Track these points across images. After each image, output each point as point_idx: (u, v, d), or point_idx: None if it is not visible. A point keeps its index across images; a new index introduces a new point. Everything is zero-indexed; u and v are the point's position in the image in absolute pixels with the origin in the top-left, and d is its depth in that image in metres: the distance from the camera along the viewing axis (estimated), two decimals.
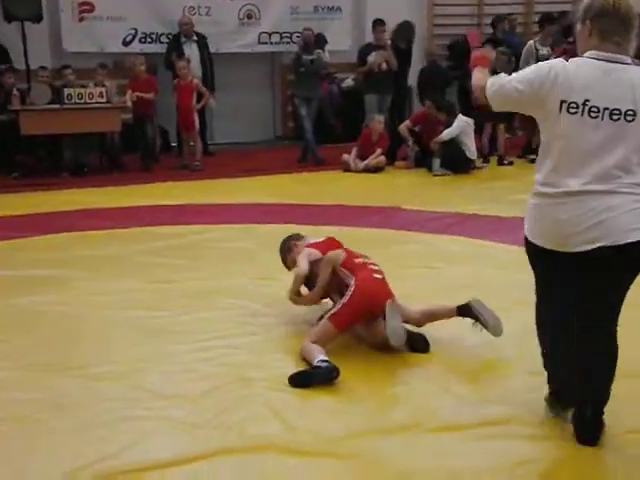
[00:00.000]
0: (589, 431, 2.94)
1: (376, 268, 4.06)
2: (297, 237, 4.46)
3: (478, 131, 9.88)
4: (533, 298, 4.56)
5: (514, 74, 2.94)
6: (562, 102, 2.77)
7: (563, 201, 2.80)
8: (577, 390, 2.96)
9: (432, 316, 4.02)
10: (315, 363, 3.55)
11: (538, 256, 2.98)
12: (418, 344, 3.89)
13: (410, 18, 11.34)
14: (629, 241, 2.70)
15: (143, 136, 9.77)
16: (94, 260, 5.62)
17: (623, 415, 3.11)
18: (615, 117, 2.73)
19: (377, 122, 9.65)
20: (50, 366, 3.76)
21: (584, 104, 2.74)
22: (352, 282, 3.88)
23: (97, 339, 4.16)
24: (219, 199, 7.78)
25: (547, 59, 10.63)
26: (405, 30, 10.74)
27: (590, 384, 2.92)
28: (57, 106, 9.10)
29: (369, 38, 10.71)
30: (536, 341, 3.71)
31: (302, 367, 3.63)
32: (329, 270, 4.03)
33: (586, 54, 2.84)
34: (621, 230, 2.71)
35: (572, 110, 2.76)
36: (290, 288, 4.19)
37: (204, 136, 10.71)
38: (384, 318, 3.72)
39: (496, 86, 2.96)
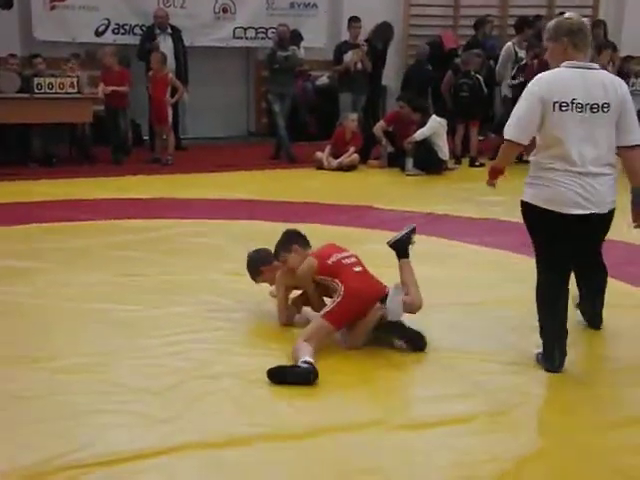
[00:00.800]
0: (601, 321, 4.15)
1: (351, 261, 4.03)
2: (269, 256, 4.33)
3: (451, 132, 9.92)
4: (503, 295, 4.66)
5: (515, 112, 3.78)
6: (554, 103, 3.58)
7: (569, 177, 3.61)
8: (590, 308, 4.16)
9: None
10: (298, 362, 3.52)
11: (544, 220, 3.75)
12: (415, 341, 3.86)
13: (386, 17, 11.39)
14: (608, 210, 3.68)
15: (115, 129, 9.64)
16: (62, 252, 5.55)
17: None
18: (594, 110, 3.57)
19: (351, 121, 9.66)
20: (14, 358, 3.70)
21: (572, 102, 3.57)
22: (339, 286, 3.86)
23: (64, 332, 4.10)
24: (191, 194, 7.72)
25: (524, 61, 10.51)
26: (383, 31, 10.79)
27: (602, 295, 4.11)
28: (26, 95, 8.97)
29: (345, 36, 10.73)
30: (505, 337, 3.75)
31: (276, 363, 3.61)
32: (309, 281, 4.04)
33: (564, 64, 3.69)
34: (605, 202, 3.63)
35: (564, 108, 3.57)
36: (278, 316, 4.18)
37: (177, 130, 10.63)
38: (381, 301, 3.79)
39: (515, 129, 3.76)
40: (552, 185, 3.67)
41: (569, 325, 3.74)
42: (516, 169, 9.46)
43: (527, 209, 3.90)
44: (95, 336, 4.01)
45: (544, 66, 9.07)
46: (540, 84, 3.70)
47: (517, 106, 3.78)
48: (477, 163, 9.92)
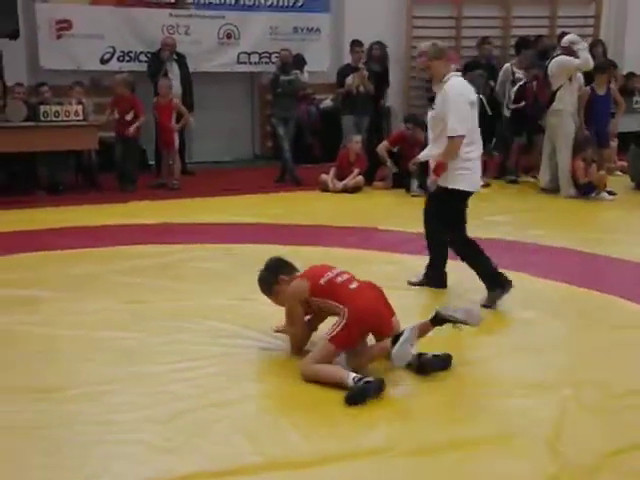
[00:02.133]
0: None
1: (344, 278, 3.92)
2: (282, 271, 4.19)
3: None
4: (509, 318, 4.64)
5: (455, 113, 4.82)
6: (470, 102, 4.92)
7: (475, 162, 5.04)
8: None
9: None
10: (355, 381, 3.53)
11: (466, 198, 5.12)
12: (432, 365, 3.84)
13: (389, 40, 11.46)
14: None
15: (125, 158, 9.64)
16: (68, 280, 5.55)
17: None
18: (474, 106, 4.97)
19: (355, 143, 9.69)
20: (20, 388, 3.69)
21: (472, 101, 4.95)
22: (341, 308, 3.79)
23: (69, 361, 4.10)
24: (196, 218, 7.73)
25: (522, 81, 10.63)
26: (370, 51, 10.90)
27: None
28: (33, 123, 9.03)
29: (347, 59, 10.79)
30: (510, 364, 3.74)
31: (279, 389, 3.59)
32: (294, 304, 3.96)
33: (453, 73, 4.98)
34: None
35: (472, 105, 4.94)
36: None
37: (183, 155, 10.69)
38: (392, 341, 3.70)
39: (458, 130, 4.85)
40: (473, 170, 5.01)
41: None
42: (525, 191, 9.48)
43: (457, 194, 5.03)
44: (100, 365, 4.00)
45: (543, 87, 9.16)
46: (462, 89, 4.95)
47: (456, 108, 4.82)
48: (482, 183, 9.89)
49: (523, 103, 9.83)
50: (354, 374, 3.58)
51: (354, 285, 3.90)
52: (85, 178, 9.83)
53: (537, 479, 2.87)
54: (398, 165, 9.73)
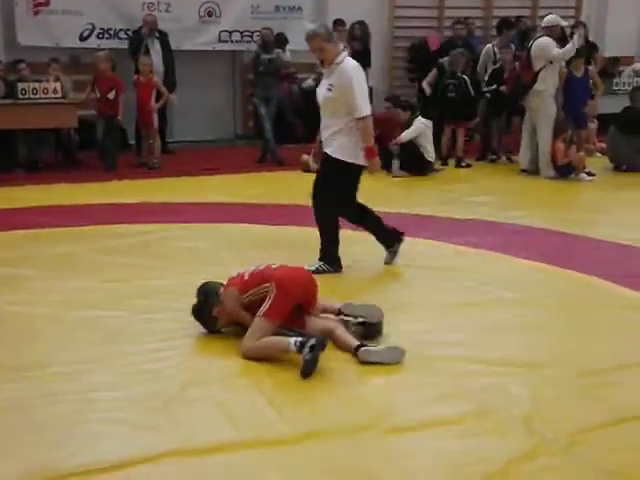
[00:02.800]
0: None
1: (264, 265, 4.08)
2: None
3: (437, 133, 9.94)
4: (487, 296, 4.68)
5: (360, 93, 5.01)
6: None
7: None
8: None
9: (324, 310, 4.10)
10: (297, 345, 3.59)
11: (359, 171, 5.26)
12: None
13: (371, 19, 11.41)
14: None
15: (106, 136, 9.57)
16: (47, 258, 5.53)
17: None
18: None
19: None
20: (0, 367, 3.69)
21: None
22: (268, 285, 3.88)
23: (49, 339, 4.09)
24: (177, 198, 7.71)
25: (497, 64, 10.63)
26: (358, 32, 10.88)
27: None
28: (10, 101, 8.93)
29: None
30: (488, 344, 3.79)
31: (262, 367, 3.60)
32: (239, 311, 3.99)
33: (344, 54, 5.11)
34: None
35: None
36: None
37: (164, 134, 10.62)
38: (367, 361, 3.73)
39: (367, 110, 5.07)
40: (359, 145, 5.13)
41: None
42: (505, 172, 9.53)
43: (358, 169, 5.22)
44: (82, 343, 4.00)
45: (526, 67, 9.17)
46: (359, 69, 5.11)
47: (361, 89, 5.01)
48: (463, 164, 9.96)
49: (494, 86, 9.83)
50: (294, 339, 3.62)
51: (275, 265, 4.06)
52: (65, 156, 9.74)
53: (513, 455, 2.91)
54: (379, 146, 9.71)
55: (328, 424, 3.15)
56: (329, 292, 4.38)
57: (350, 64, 5.08)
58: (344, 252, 5.32)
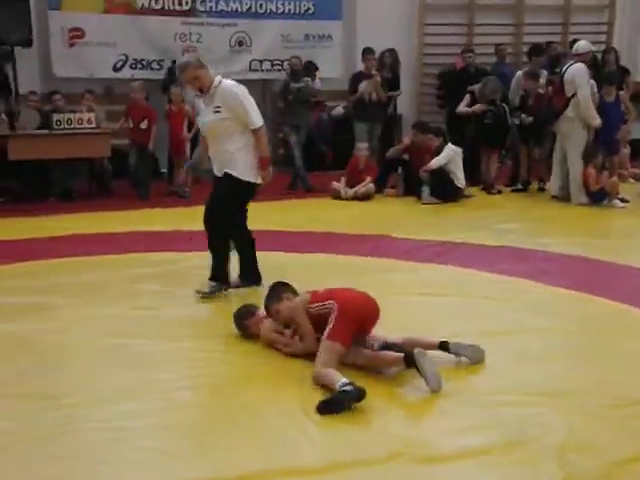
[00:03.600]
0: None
1: (341, 287, 4.15)
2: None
3: (470, 159, 9.93)
4: (520, 325, 4.62)
5: (251, 107, 5.26)
6: None
7: None
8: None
9: (414, 344, 3.94)
10: (339, 388, 3.53)
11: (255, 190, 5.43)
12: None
13: (400, 47, 11.47)
14: None
15: (138, 165, 9.69)
16: (78, 287, 5.58)
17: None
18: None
19: (363, 150, 9.70)
20: (32, 395, 3.72)
21: None
22: (331, 304, 3.92)
23: (79, 367, 4.12)
24: None
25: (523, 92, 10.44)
26: (383, 58, 10.94)
27: None
28: (46, 131, 9.10)
29: (359, 66, 10.81)
30: (520, 372, 3.73)
31: (293, 396, 3.60)
32: (302, 313, 4.06)
33: (218, 76, 5.26)
34: None
35: None
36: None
37: None
38: (416, 366, 3.67)
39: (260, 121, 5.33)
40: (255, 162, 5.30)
41: None
42: (536, 199, 9.45)
43: (249, 186, 5.35)
44: (109, 371, 4.02)
45: (559, 93, 9.09)
46: (242, 85, 5.32)
47: (248, 101, 5.24)
48: (494, 190, 9.91)
49: (523, 116, 9.74)
50: (343, 380, 3.57)
51: (344, 287, 4.14)
52: (98, 185, 9.88)
53: None
54: (409, 173, 9.73)
55: (359, 453, 3.12)
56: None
57: (229, 82, 5.27)
58: (383, 279, 5.29)
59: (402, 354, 3.78)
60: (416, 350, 3.71)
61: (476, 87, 10.32)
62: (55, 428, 3.36)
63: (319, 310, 4.00)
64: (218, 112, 5.21)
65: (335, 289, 4.10)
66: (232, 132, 5.23)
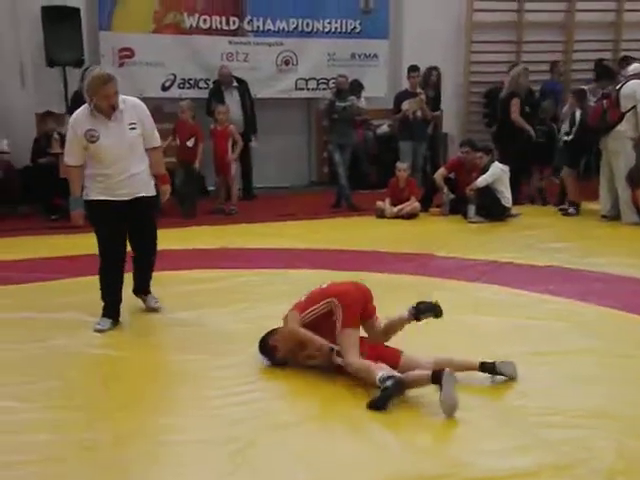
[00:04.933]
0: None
1: (315, 288, 4.33)
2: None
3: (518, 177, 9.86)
4: (568, 346, 4.55)
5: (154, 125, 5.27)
6: None
7: None
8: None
9: (451, 365, 3.90)
10: (379, 383, 3.68)
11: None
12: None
13: (446, 65, 11.45)
14: None
15: (185, 184, 9.78)
16: (128, 303, 5.63)
17: None
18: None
19: (402, 170, 9.68)
20: (78, 408, 3.78)
21: None
22: (329, 301, 4.11)
23: (125, 382, 4.17)
24: (254, 244, 7.81)
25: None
26: (428, 76, 10.95)
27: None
28: None
29: (405, 85, 10.81)
30: (569, 394, 3.66)
31: (335, 412, 3.62)
32: (299, 330, 4.18)
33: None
34: None
35: None
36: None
37: (250, 180, 10.98)
38: (439, 383, 3.63)
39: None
40: None
41: None
42: (585, 218, 9.24)
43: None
44: (157, 386, 4.08)
45: (614, 107, 8.90)
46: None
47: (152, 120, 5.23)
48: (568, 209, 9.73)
49: (570, 137, 9.64)
50: (381, 374, 3.71)
51: (325, 284, 4.31)
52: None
53: None
54: (455, 191, 9.68)
55: (406, 472, 3.11)
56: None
57: (133, 98, 5.22)
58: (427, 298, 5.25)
59: (429, 372, 3.74)
60: (447, 370, 3.66)
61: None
62: (101, 442, 3.40)
63: (316, 313, 4.15)
64: (134, 129, 5.06)
65: (325, 288, 4.24)
66: (141, 150, 5.15)
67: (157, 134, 5.26)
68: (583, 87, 10.10)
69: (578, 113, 9.59)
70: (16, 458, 3.25)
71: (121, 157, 5.02)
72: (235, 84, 10.76)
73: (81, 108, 5.07)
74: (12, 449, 3.34)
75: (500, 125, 10.46)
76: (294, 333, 4.17)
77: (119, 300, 5.22)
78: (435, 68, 11.24)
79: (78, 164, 5.07)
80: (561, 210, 9.69)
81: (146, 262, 5.47)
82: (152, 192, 5.26)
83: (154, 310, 5.41)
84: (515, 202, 9.60)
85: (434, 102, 11.08)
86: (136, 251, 5.38)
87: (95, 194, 5.06)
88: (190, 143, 9.64)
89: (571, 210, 9.54)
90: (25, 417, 3.69)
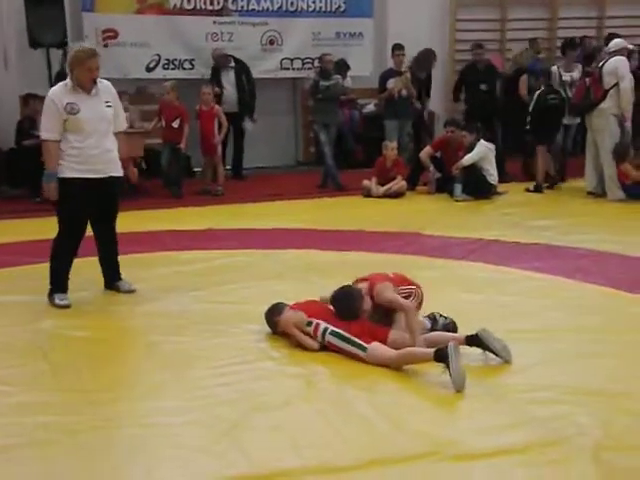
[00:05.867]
0: None
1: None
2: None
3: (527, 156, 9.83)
4: (555, 323, 4.57)
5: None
6: None
7: None
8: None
9: (436, 344, 3.92)
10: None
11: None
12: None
13: (431, 43, 11.39)
14: None
15: (171, 164, 9.73)
16: None
17: None
18: None
19: (390, 149, 9.66)
20: (65, 391, 3.78)
21: None
22: (412, 288, 4.50)
23: (115, 364, 4.18)
24: (240, 224, 7.79)
25: (570, 85, 10.43)
26: (425, 60, 10.87)
27: None
28: None
29: (391, 63, 10.77)
30: (556, 371, 3.68)
31: (320, 392, 3.64)
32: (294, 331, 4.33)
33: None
34: None
35: None
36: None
37: (240, 161, 10.96)
38: (446, 360, 3.66)
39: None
40: None
41: None
42: (571, 195, 9.30)
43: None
44: (145, 368, 4.08)
45: (597, 84, 8.92)
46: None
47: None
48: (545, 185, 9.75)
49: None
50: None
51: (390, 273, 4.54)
52: (131, 185, 9.92)
53: None
54: (441, 170, 9.69)
55: (392, 451, 3.12)
56: None
57: (104, 80, 5.28)
58: (415, 276, 5.27)
59: (432, 350, 3.77)
60: (451, 343, 3.69)
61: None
62: (88, 424, 3.39)
63: (404, 293, 4.40)
64: (110, 106, 5.21)
65: (402, 275, 4.54)
66: (112, 130, 5.26)
67: (125, 118, 5.52)
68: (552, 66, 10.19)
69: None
70: (4, 442, 3.25)
71: (98, 131, 5.11)
72: (232, 64, 10.69)
73: (59, 84, 5.21)
74: (0, 433, 3.33)
75: (506, 102, 10.51)
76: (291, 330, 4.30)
77: (68, 276, 5.31)
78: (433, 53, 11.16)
79: (56, 138, 5.09)
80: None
81: (113, 247, 5.57)
82: (121, 173, 5.36)
83: (131, 292, 5.41)
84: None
85: (424, 83, 11.09)
86: (101, 235, 5.50)
87: (69, 171, 5.11)
88: (175, 124, 9.57)
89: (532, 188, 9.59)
90: (12, 400, 3.68)
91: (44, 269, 5.38)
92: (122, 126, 5.44)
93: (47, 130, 5.11)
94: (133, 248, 6.69)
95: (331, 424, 3.36)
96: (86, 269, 5.65)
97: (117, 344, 4.47)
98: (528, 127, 9.73)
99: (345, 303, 4.26)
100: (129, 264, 6.19)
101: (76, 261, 5.40)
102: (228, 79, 10.62)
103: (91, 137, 5.09)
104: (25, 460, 3.11)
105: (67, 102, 5.03)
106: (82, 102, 5.05)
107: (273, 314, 4.47)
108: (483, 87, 10.96)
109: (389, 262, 6.08)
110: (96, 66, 5.07)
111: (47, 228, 7.67)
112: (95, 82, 5.11)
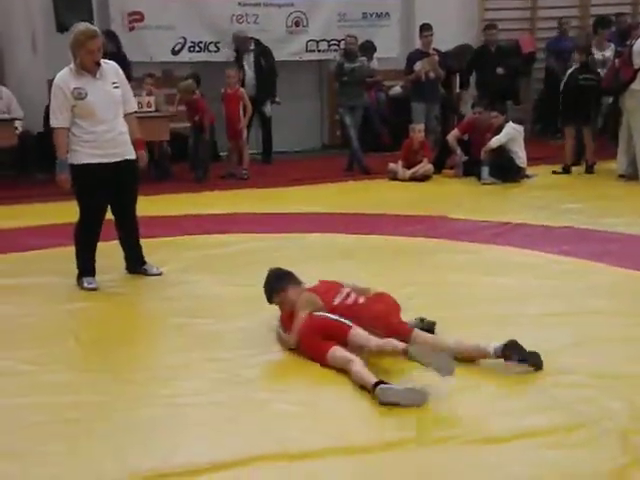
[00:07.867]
0: None
1: (352, 299, 4.07)
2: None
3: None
4: (583, 306, 4.52)
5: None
6: None
7: None
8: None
9: (464, 350, 3.80)
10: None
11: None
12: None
13: (460, 23, 11.26)
14: None
15: (196, 149, 9.76)
16: None
17: None
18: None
19: (417, 131, 9.58)
20: (94, 370, 3.84)
21: None
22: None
23: (140, 344, 4.24)
24: (266, 208, 7.79)
25: (603, 63, 10.24)
26: (462, 54, 10.77)
27: None
28: None
29: (418, 44, 10.67)
30: (582, 354, 3.64)
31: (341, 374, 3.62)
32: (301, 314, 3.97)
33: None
34: None
35: None
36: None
37: (270, 146, 10.92)
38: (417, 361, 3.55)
39: None
40: None
41: None
42: (602, 178, 9.14)
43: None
44: (172, 349, 4.10)
45: (627, 65, 8.77)
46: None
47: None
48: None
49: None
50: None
51: (361, 300, 4.06)
52: (158, 168, 9.98)
53: (607, 469, 2.80)
54: (468, 153, 9.60)
55: (417, 433, 3.12)
56: None
57: (111, 61, 5.24)
58: (442, 260, 5.26)
59: (402, 346, 3.62)
60: (410, 348, 3.56)
61: None
62: (118, 402, 3.44)
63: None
64: (117, 87, 5.12)
65: (353, 306, 4.03)
66: (121, 111, 5.17)
67: (134, 99, 5.43)
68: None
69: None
70: (34, 419, 3.30)
71: (109, 113, 5.05)
72: (252, 47, 10.66)
73: (64, 69, 5.09)
74: (31, 411, 3.38)
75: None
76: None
77: (94, 259, 5.31)
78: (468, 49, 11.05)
79: (65, 125, 5.03)
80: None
81: (134, 231, 5.54)
82: (134, 156, 5.30)
83: (158, 275, 5.43)
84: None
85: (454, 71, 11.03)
86: (121, 219, 5.46)
87: (84, 157, 5.05)
88: (197, 118, 9.55)
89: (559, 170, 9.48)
90: (43, 379, 3.73)
91: (72, 252, 5.43)
92: (132, 107, 5.35)
93: (56, 117, 5.06)
94: (158, 231, 6.74)
95: (356, 405, 3.36)
96: (114, 252, 5.69)
97: (145, 325, 4.51)
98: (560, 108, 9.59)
99: (267, 284, 4.21)
100: (156, 247, 6.24)
101: (104, 245, 5.44)
102: (249, 62, 10.61)
103: (103, 122, 5.02)
104: (55, 438, 3.14)
105: (74, 87, 4.96)
106: (88, 85, 4.98)
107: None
108: (500, 70, 10.75)
109: (415, 246, 6.07)
110: (97, 47, 4.95)
111: (74, 211, 7.76)
112: (99, 64, 5.02)
